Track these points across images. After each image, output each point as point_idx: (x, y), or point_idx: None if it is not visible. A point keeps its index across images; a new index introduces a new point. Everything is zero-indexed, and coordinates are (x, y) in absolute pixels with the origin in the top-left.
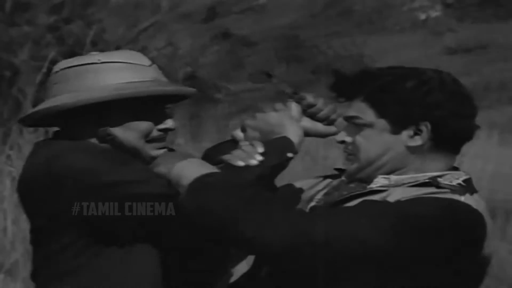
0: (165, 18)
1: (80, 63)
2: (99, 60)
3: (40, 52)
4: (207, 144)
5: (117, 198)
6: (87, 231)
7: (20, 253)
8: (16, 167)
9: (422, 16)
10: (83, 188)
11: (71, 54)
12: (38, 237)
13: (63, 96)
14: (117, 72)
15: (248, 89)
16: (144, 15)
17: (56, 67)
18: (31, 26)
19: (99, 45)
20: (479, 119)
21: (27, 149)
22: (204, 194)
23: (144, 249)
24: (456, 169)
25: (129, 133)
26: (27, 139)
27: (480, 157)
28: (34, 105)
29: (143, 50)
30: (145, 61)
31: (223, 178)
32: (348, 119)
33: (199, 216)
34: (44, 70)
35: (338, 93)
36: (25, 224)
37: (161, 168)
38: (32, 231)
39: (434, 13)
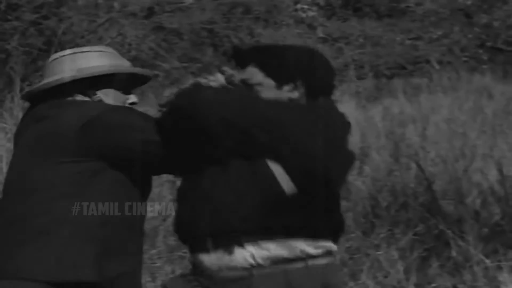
0: (116, 15)
1: (81, 51)
2: (92, 49)
3: (26, 41)
4: (148, 107)
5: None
6: (110, 161)
7: None
8: (9, 124)
9: (303, 15)
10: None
11: (49, 42)
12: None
13: (71, 72)
14: (108, 56)
15: (177, 67)
16: (101, 13)
17: (57, 55)
18: (18, 21)
19: (68, 35)
20: (345, 89)
21: (17, 111)
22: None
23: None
24: None
25: (111, 100)
26: (17, 104)
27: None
28: (22, 79)
29: (100, 39)
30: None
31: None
32: (243, 81)
33: (178, 99)
34: (35, 55)
35: (236, 62)
36: None
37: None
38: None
39: (310, 13)
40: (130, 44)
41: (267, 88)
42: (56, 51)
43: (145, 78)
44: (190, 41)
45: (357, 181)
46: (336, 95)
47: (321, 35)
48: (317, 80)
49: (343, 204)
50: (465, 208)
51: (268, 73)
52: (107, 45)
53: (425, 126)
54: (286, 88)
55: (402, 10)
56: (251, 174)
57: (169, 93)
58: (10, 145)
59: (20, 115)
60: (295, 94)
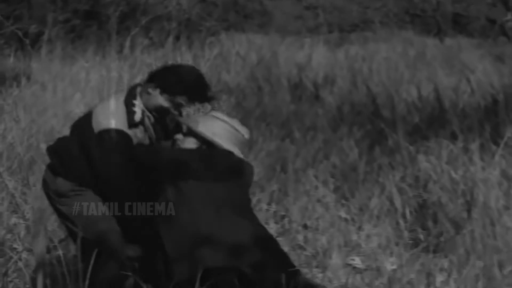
0: None
1: None
2: None
3: (119, 9)
4: (196, 50)
5: None
6: None
7: None
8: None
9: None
10: None
11: (134, 9)
12: None
13: None
14: None
15: (214, 25)
16: None
17: None
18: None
19: (145, 6)
20: (320, 39)
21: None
22: None
23: None
24: None
25: None
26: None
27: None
28: (116, 34)
29: (167, 7)
30: None
31: None
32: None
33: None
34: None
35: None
36: None
37: None
38: None
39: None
40: (184, 10)
41: None
42: (136, 17)
43: None
44: (222, 8)
45: (328, 98)
46: (311, 43)
47: (305, 4)
48: None
49: (320, 112)
50: (396, 114)
51: None
52: (169, 12)
53: (371, 63)
54: None
55: None
56: None
57: (209, 41)
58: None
59: (113, 60)
60: None
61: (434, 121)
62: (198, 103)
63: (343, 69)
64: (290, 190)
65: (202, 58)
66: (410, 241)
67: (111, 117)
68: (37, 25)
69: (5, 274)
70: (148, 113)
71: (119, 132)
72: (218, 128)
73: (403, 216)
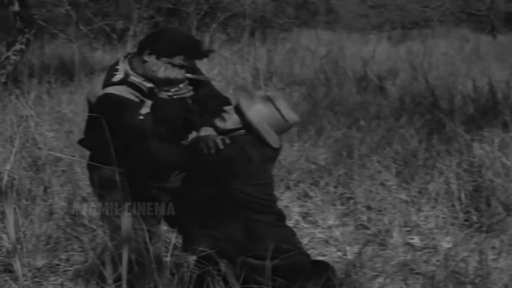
0: None
1: None
2: None
3: (198, 7)
4: (270, 45)
5: None
6: None
7: None
8: None
9: None
10: None
11: (213, 7)
12: None
13: None
14: None
15: (286, 22)
16: None
17: None
18: None
19: (222, 3)
20: (383, 35)
21: None
22: None
23: None
24: None
25: None
26: None
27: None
28: (196, 29)
29: (243, 5)
30: None
31: None
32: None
33: None
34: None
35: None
36: None
37: None
38: None
39: None
40: (259, 8)
41: None
42: (215, 14)
43: None
44: (293, 7)
45: (391, 89)
46: (375, 39)
47: (370, 4)
48: None
49: (384, 102)
50: (453, 105)
51: None
52: (245, 10)
53: (430, 57)
54: None
55: None
56: None
57: (281, 37)
58: None
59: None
60: None
61: (487, 112)
62: (196, 60)
63: (404, 63)
64: (356, 174)
65: (275, 52)
66: (465, 222)
67: (97, 86)
68: (123, 22)
69: (93, 249)
70: (132, 72)
71: (107, 95)
72: (264, 112)
73: (459, 199)
